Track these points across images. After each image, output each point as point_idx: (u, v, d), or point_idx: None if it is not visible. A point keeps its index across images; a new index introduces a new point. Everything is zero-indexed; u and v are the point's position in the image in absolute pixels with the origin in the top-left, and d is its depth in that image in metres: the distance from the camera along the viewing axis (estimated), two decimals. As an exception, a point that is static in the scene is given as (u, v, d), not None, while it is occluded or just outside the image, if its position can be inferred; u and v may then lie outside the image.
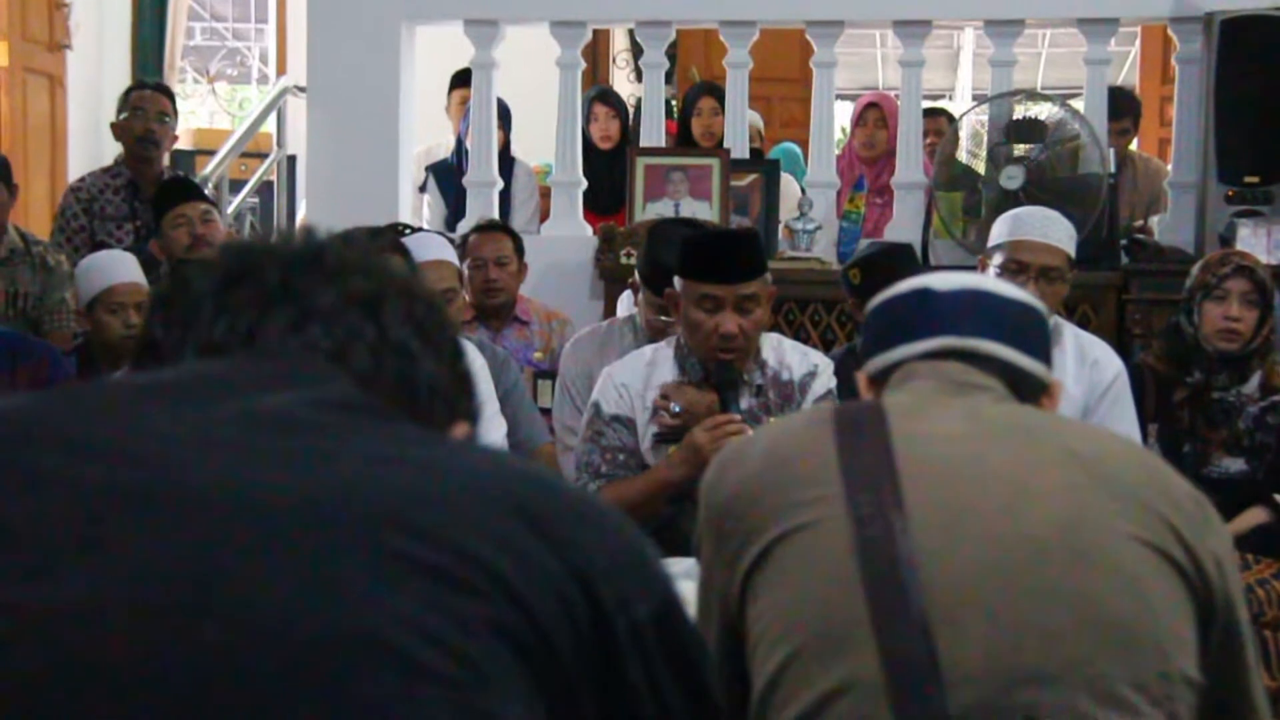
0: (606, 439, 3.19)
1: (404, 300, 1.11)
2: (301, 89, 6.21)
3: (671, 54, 6.15)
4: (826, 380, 3.22)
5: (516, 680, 0.90)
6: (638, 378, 3.21)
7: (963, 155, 5.28)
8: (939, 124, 6.09)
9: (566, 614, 0.94)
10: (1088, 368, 3.46)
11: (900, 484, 1.50)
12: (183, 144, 7.06)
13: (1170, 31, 5.40)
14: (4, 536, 0.89)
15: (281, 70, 9.12)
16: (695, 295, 3.08)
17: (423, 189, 6.09)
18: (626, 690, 0.98)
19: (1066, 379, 3.32)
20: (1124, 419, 3.42)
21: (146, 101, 5.09)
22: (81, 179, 5.20)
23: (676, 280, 3.14)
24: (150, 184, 4.93)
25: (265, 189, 7.71)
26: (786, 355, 3.25)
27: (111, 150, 5.65)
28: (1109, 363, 3.49)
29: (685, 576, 1.89)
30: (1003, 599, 1.45)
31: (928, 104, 6.47)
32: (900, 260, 3.85)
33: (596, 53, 7.93)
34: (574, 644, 0.94)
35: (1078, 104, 5.36)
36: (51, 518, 0.89)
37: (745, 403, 3.14)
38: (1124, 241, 5.13)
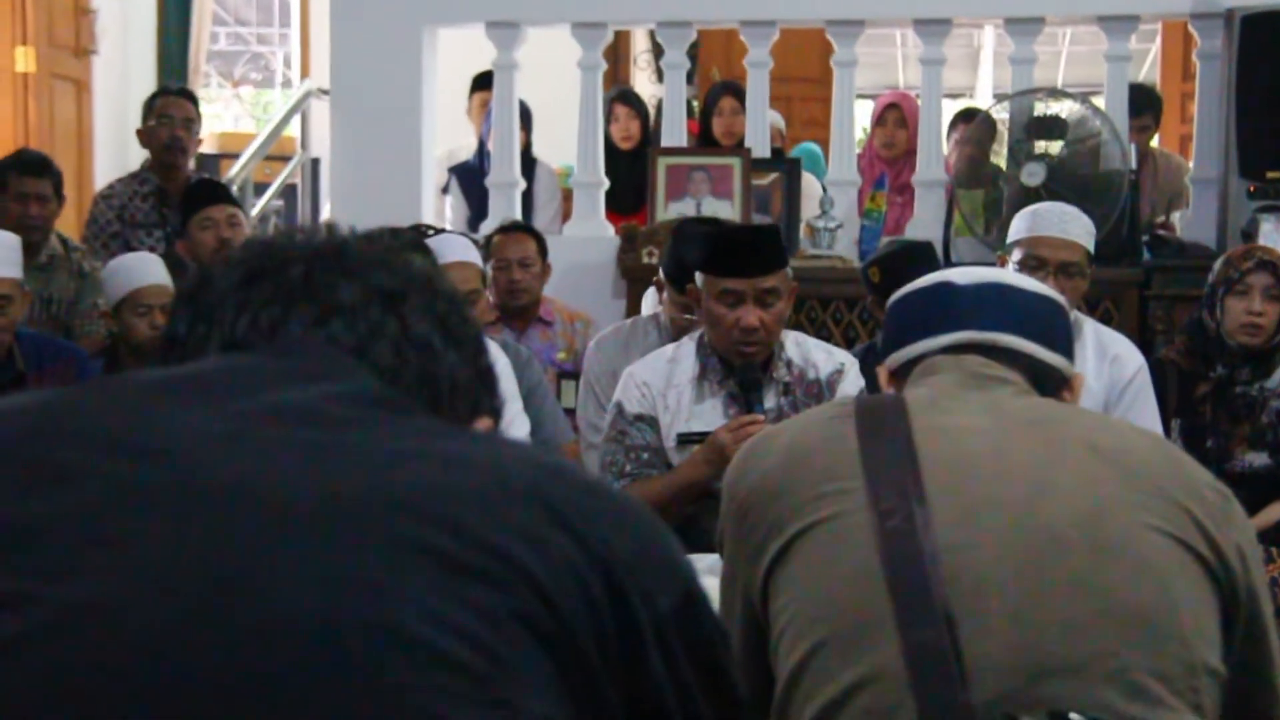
0: (630, 438, 3.19)
1: (426, 296, 1.11)
2: (325, 92, 6.23)
3: (693, 54, 6.15)
4: (855, 379, 3.22)
5: (539, 672, 0.90)
6: (659, 376, 3.22)
7: (984, 154, 5.26)
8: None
9: (589, 605, 0.93)
10: (1108, 363, 3.45)
11: (922, 477, 1.50)
12: (207, 148, 7.08)
13: (1191, 28, 5.37)
14: (28, 531, 0.89)
15: (305, 74, 9.15)
16: (716, 290, 3.09)
17: (445, 191, 6.10)
18: (650, 682, 0.98)
19: (1087, 374, 3.31)
20: (1145, 414, 3.41)
21: (172, 108, 5.10)
22: (111, 186, 5.21)
23: (698, 276, 3.15)
24: (177, 190, 4.95)
25: (289, 192, 7.74)
26: (811, 353, 3.24)
27: (137, 155, 5.68)
28: (1130, 358, 3.48)
29: (708, 573, 1.89)
30: (1025, 591, 1.44)
31: (951, 104, 6.45)
32: (920, 258, 3.84)
33: (618, 54, 7.93)
34: (597, 636, 0.94)
35: (1099, 101, 5.34)
36: (75, 512, 0.89)
37: (772, 401, 3.15)
38: (1146, 238, 5.11)
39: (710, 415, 3.17)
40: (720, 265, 3.09)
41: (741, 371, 3.14)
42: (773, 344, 3.16)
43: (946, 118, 5.99)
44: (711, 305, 3.10)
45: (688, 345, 3.25)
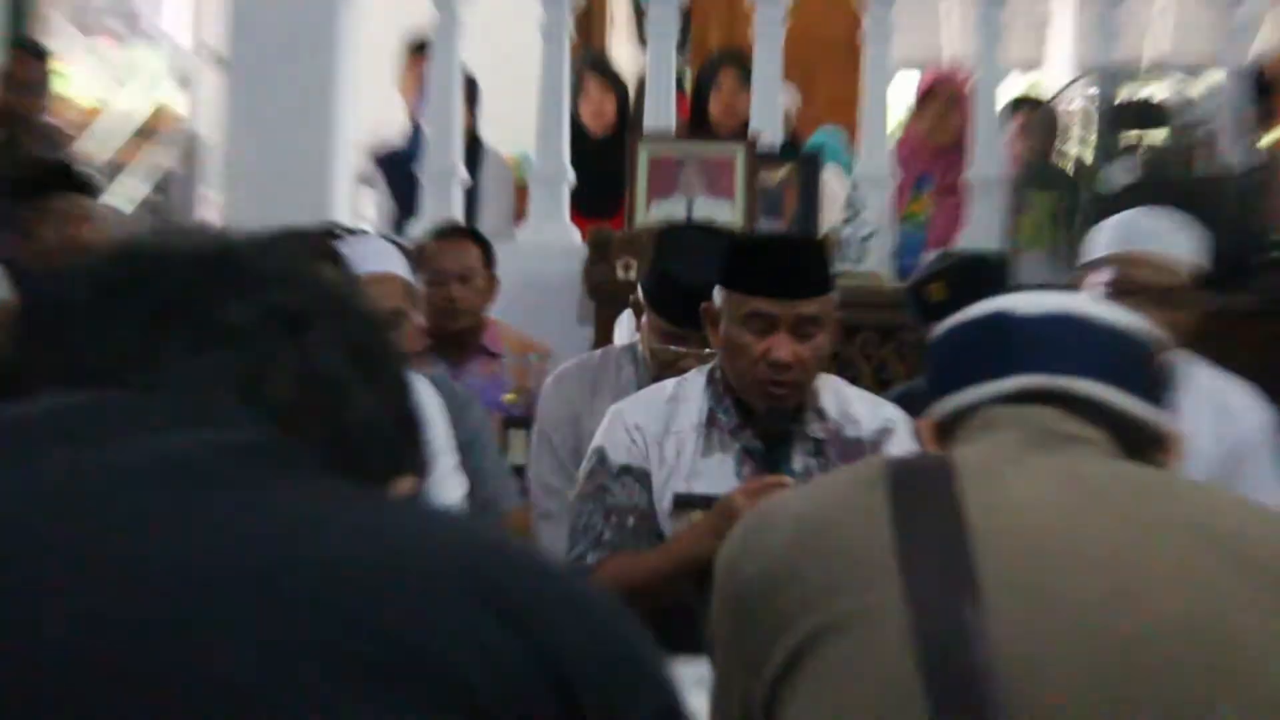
0: (613, 497, 3.15)
1: (336, 319, 1.11)
2: (211, 54, 6.25)
3: (685, 15, 6.16)
4: (906, 441, 3.18)
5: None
6: (655, 419, 3.17)
7: (1057, 146, 5.29)
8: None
9: (540, 728, 0.93)
10: (1223, 418, 3.44)
11: (975, 565, 1.50)
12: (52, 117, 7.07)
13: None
14: None
15: (191, 30, 9.15)
16: (742, 312, 3.05)
17: (369, 183, 6.12)
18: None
19: (1196, 432, 3.30)
20: (1268, 485, 3.41)
21: (20, 67, 5.10)
22: None
23: (717, 293, 3.12)
24: (16, 172, 4.94)
25: (164, 178, 7.73)
26: (852, 406, 3.21)
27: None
28: (1249, 413, 3.49)
29: (698, 685, 1.88)
30: (1107, 717, 1.44)
31: (1014, 81, 6.48)
32: (995, 274, 3.84)
33: (590, 15, 7.95)
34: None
35: (1209, 80, 5.37)
36: None
37: (799, 462, 3.12)
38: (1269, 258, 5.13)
39: (718, 474, 3.14)
40: (750, 281, 3.06)
41: (766, 419, 3.11)
42: (808, 385, 3.13)
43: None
44: (734, 331, 3.07)
45: (695, 381, 3.22)
